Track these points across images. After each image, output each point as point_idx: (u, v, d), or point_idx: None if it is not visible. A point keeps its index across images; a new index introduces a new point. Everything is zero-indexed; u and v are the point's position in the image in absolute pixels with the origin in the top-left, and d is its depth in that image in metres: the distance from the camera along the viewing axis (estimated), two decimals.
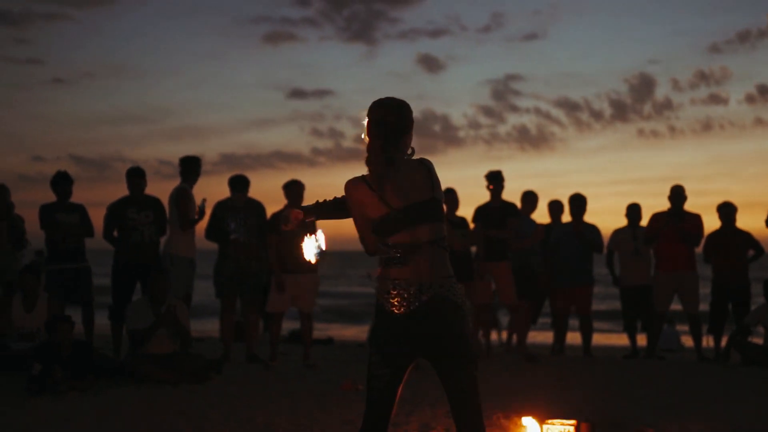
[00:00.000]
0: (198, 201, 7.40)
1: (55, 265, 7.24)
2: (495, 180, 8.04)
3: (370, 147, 2.91)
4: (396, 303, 2.85)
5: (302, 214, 3.12)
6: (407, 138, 2.95)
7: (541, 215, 8.85)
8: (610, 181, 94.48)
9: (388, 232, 2.88)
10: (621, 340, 9.65)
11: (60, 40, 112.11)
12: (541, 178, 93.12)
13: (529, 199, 8.58)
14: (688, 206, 8.38)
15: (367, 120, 2.94)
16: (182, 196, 7.42)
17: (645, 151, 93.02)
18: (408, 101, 2.97)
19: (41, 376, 5.72)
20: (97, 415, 5.11)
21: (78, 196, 7.75)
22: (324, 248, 3.10)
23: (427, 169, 2.90)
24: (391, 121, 2.89)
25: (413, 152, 2.97)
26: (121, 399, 5.58)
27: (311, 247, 3.10)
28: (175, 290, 7.12)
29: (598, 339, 12.07)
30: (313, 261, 3.15)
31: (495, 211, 7.98)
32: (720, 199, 8.42)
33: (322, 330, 15.67)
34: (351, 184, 2.92)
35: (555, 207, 8.79)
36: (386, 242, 2.88)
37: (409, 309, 2.84)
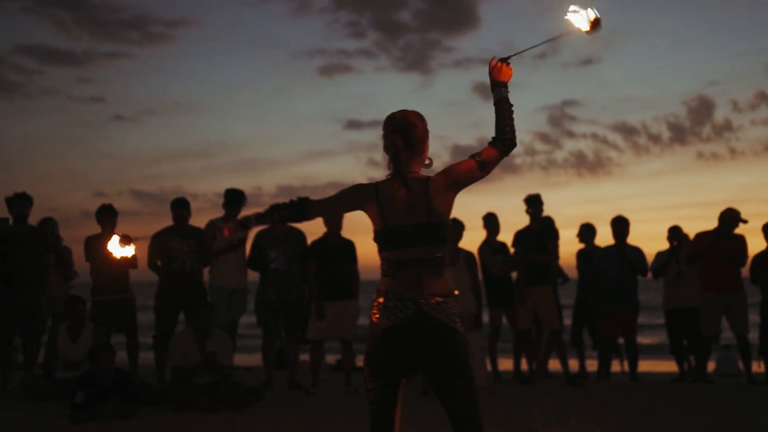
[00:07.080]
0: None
1: (100, 296, 7.41)
2: (534, 204, 8.01)
3: (385, 161, 2.94)
4: (380, 316, 2.82)
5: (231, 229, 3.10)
6: (420, 152, 2.93)
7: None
8: (670, 205, 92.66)
9: (381, 246, 2.88)
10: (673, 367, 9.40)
11: (121, 78, 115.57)
12: (599, 203, 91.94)
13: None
14: (751, 228, 8.16)
15: (383, 134, 2.95)
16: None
17: (705, 174, 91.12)
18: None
19: (84, 404, 5.84)
20: None
21: (138, 229, 8.04)
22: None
23: (426, 190, 2.85)
24: (398, 140, 2.90)
25: (431, 162, 2.97)
26: (161, 426, 5.67)
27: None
28: (217, 320, 7.22)
29: (650, 366, 11.82)
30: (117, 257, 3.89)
31: (534, 235, 7.95)
32: None
33: None
34: (360, 188, 2.93)
35: (586, 230, 8.73)
36: (380, 254, 2.89)
37: (391, 323, 2.80)
